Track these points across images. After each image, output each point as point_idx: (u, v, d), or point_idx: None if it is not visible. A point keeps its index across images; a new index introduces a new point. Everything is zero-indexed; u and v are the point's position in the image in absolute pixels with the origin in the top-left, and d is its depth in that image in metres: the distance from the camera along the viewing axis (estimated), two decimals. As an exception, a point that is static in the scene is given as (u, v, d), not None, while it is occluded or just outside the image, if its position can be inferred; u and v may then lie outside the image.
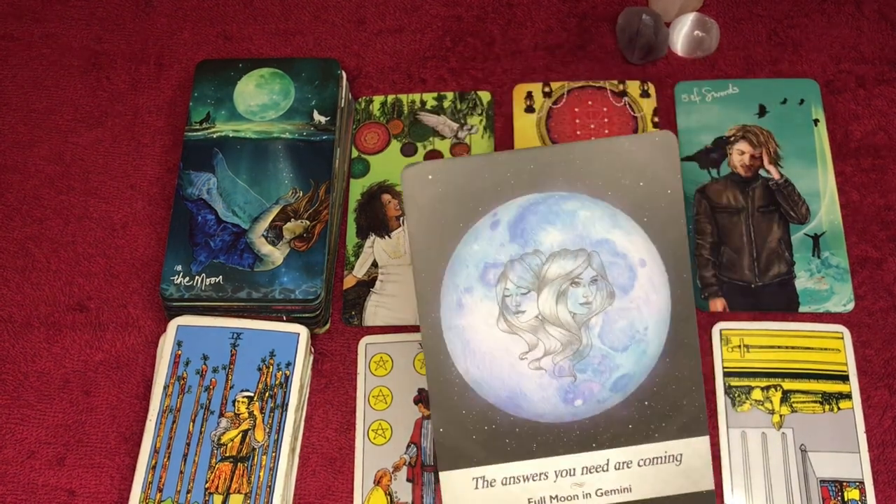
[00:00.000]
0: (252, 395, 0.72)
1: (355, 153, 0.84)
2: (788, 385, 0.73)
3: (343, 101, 0.83)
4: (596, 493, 0.63)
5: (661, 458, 0.63)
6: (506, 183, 0.59)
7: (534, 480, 0.62)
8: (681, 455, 0.63)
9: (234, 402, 0.72)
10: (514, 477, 0.62)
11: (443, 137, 0.84)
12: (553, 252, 0.60)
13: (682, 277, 0.61)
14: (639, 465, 0.63)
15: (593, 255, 0.60)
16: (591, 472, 0.63)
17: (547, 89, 0.86)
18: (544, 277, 0.60)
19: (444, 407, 0.61)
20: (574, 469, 0.63)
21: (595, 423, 0.62)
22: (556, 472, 0.62)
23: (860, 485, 0.69)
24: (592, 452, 0.62)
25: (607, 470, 0.63)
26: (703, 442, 0.63)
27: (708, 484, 0.64)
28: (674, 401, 0.62)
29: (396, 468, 0.71)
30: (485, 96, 0.85)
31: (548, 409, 0.62)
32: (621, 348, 0.61)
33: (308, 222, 0.77)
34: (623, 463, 0.63)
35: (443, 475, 0.62)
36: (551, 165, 0.59)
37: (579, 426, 0.62)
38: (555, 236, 0.60)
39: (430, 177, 0.59)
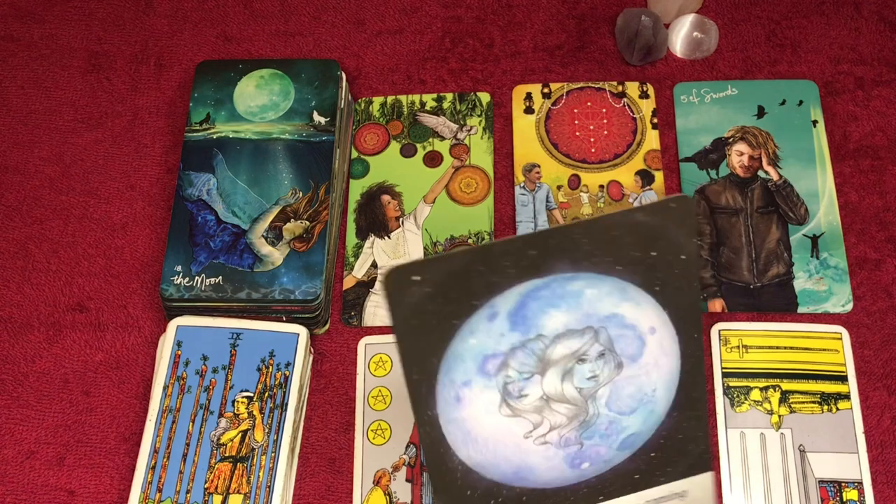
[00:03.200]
0: (251, 395, 0.72)
1: (355, 154, 0.84)
2: (787, 385, 0.73)
3: (343, 101, 0.83)
4: None
5: (665, 497, 0.62)
6: (503, 273, 0.52)
7: None
8: (685, 491, 0.62)
9: (233, 402, 0.72)
10: None
11: (442, 138, 0.84)
12: (558, 334, 0.55)
13: (693, 338, 0.57)
14: None
15: (600, 331, 0.56)
16: None
17: (546, 90, 0.86)
18: (548, 360, 0.55)
19: (447, 493, 0.58)
20: None
21: (602, 480, 0.60)
22: None
23: (859, 485, 0.69)
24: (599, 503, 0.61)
25: None
26: (708, 476, 0.62)
27: None
28: (680, 448, 0.61)
29: (396, 468, 0.71)
30: (484, 97, 0.85)
31: (554, 475, 0.59)
32: (629, 412, 0.58)
33: (308, 223, 0.77)
34: None
35: None
36: (555, 249, 0.53)
37: (586, 485, 0.60)
38: (559, 319, 0.55)
39: (414, 277, 0.51)
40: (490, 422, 0.56)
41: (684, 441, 0.61)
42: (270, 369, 0.73)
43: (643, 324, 0.56)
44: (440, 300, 0.52)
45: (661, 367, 0.58)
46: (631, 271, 0.54)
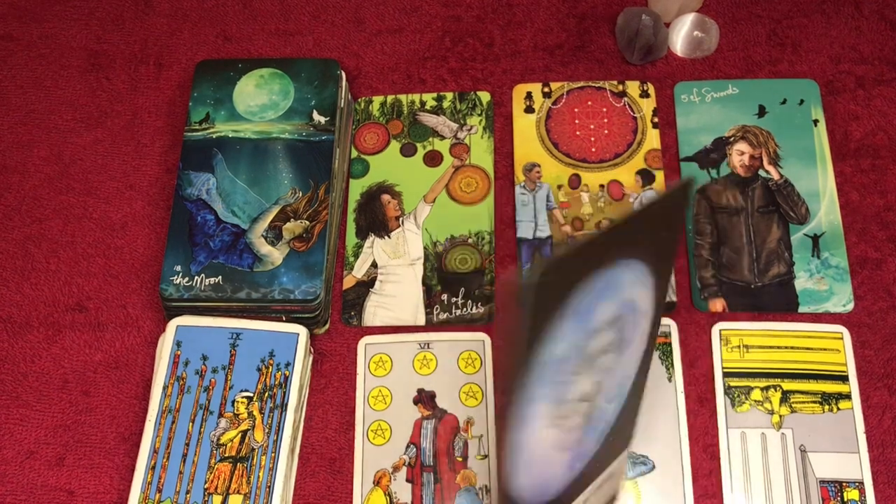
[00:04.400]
0: (251, 395, 0.72)
1: (355, 153, 0.84)
2: (788, 385, 0.73)
3: (342, 101, 0.83)
4: None
5: (605, 478, 0.62)
6: (591, 261, 0.50)
7: None
8: (613, 469, 0.62)
9: (233, 402, 0.72)
10: None
11: (442, 138, 0.84)
12: (600, 327, 0.51)
13: (658, 317, 0.55)
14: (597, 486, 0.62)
15: (623, 318, 0.52)
16: None
17: (546, 89, 0.86)
18: (589, 356, 0.52)
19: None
20: None
21: (583, 474, 0.59)
22: None
23: (860, 485, 0.69)
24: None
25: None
26: (625, 452, 0.62)
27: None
28: (625, 430, 0.60)
29: (396, 468, 0.71)
30: (484, 96, 0.85)
31: (561, 484, 0.57)
32: (611, 400, 0.56)
33: (307, 222, 0.77)
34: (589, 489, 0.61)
35: None
36: (614, 243, 0.50)
37: (573, 483, 0.58)
38: (607, 310, 0.51)
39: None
40: (540, 438, 0.52)
41: (629, 423, 0.60)
42: (270, 369, 0.73)
43: (643, 308, 0.53)
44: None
45: (637, 350, 0.55)
46: (651, 254, 0.52)
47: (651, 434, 0.71)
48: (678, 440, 0.71)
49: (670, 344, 0.74)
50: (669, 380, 0.73)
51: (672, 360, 0.74)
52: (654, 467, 0.71)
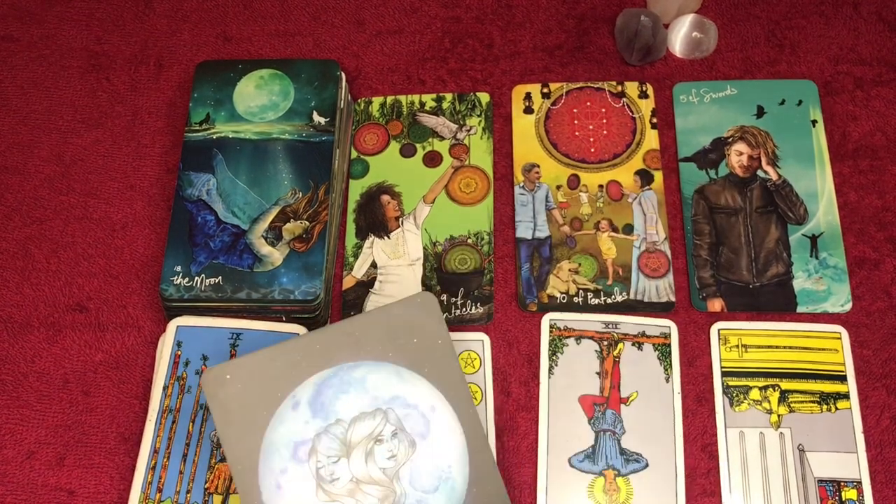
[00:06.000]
0: (251, 395, 0.72)
1: (354, 154, 0.84)
2: (786, 385, 0.73)
3: (342, 102, 0.83)
4: None
5: None
6: (297, 365, 0.65)
7: None
8: None
9: (233, 402, 0.72)
10: None
11: (442, 138, 0.84)
12: (353, 417, 0.65)
13: (468, 413, 0.66)
14: None
15: (389, 412, 0.65)
16: None
17: (546, 90, 0.86)
18: (350, 442, 0.64)
19: None
20: None
21: None
22: None
23: (858, 484, 0.70)
24: None
25: None
26: None
27: None
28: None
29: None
30: (484, 97, 0.86)
31: None
32: (432, 489, 0.65)
33: (307, 223, 0.77)
34: None
35: None
36: (335, 342, 0.65)
37: None
38: (352, 403, 0.65)
39: (227, 377, 0.64)
40: None
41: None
42: (270, 369, 0.73)
43: (423, 403, 0.66)
44: (251, 395, 0.64)
45: (449, 443, 0.66)
46: (401, 357, 0.66)
47: (646, 433, 0.72)
48: (673, 440, 0.71)
49: (669, 344, 0.75)
50: (667, 380, 0.73)
51: (671, 360, 0.74)
52: (647, 465, 0.71)
